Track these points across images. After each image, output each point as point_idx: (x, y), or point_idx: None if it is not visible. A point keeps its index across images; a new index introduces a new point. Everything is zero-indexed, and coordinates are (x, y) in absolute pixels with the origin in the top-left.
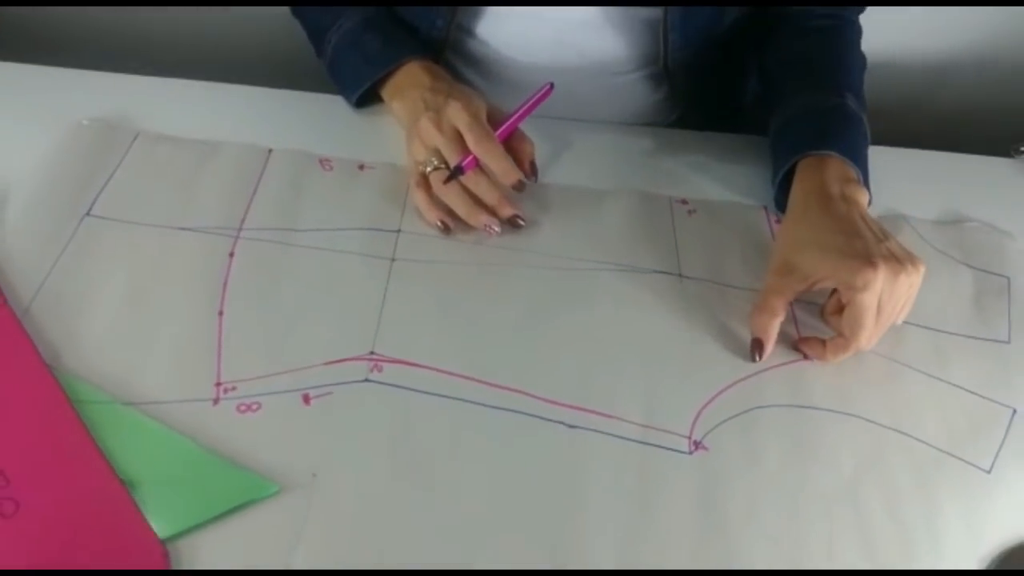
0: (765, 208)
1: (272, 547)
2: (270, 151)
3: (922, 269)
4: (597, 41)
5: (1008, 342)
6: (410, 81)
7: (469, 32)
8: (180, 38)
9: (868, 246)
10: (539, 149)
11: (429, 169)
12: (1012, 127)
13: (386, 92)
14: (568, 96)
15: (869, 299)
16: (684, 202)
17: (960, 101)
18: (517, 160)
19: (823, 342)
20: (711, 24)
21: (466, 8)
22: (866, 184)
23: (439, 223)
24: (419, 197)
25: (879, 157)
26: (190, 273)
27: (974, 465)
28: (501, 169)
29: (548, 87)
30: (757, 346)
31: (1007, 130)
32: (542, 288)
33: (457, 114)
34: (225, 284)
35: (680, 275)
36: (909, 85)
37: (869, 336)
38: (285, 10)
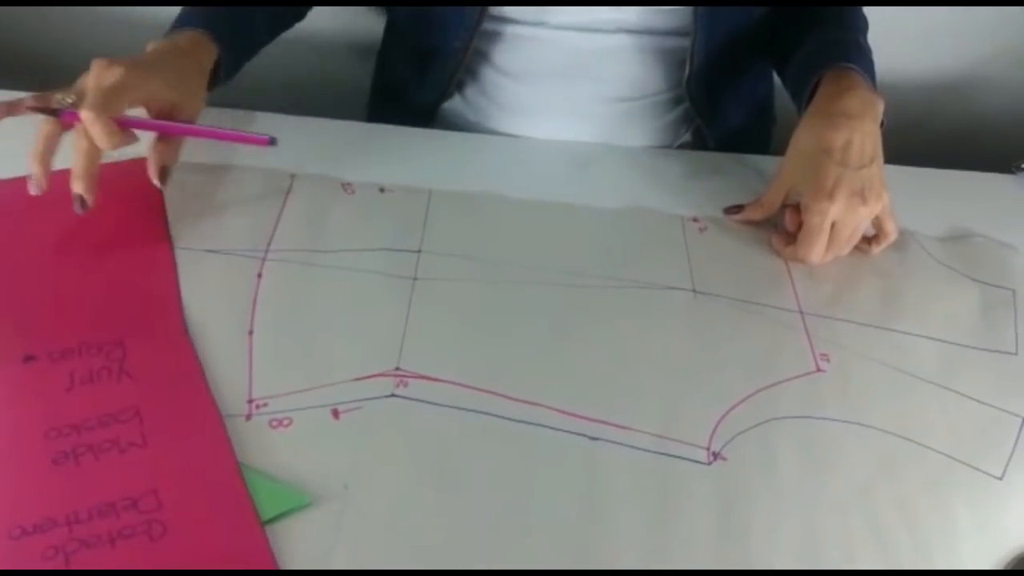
0: (775, 225)
1: (310, 554)
2: (293, 176)
3: (883, 202)
4: (619, 68)
5: (1015, 353)
6: (164, 45)
7: (486, 57)
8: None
9: (841, 177)
10: (550, 170)
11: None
12: (1012, 144)
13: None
14: (581, 121)
15: (819, 223)
16: (695, 220)
17: (960, 119)
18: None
19: (787, 237)
20: (734, 41)
21: (485, 31)
22: None
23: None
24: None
25: (885, 176)
26: (220, 294)
27: (986, 472)
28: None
29: (266, 140)
30: (736, 208)
31: (1007, 147)
32: (560, 305)
33: (90, 76)
34: (254, 304)
35: (694, 291)
36: (909, 104)
37: (818, 254)
38: (307, 40)
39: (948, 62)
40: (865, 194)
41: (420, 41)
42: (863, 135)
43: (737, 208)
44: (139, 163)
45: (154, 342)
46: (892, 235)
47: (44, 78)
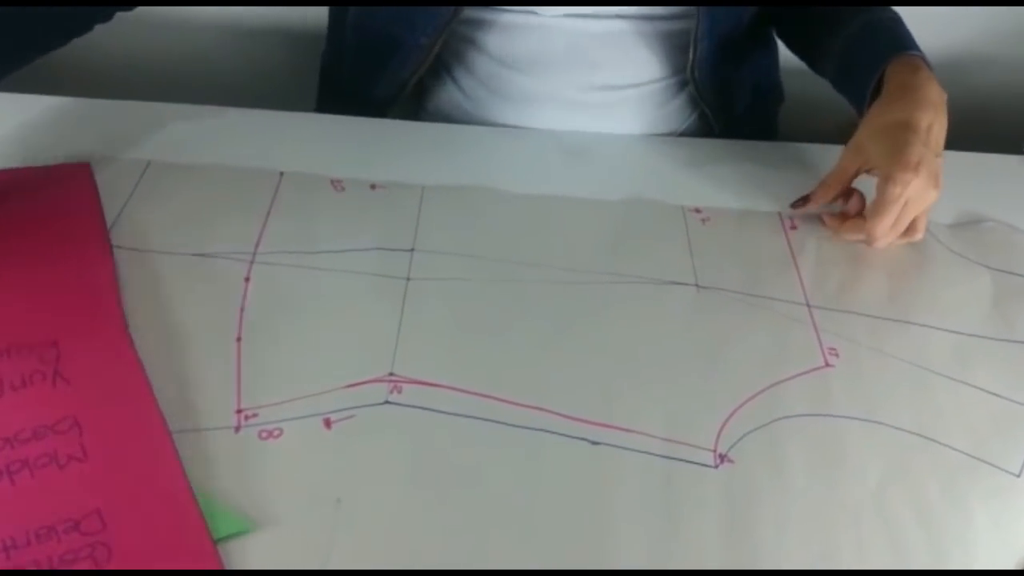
0: (780, 214)
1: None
2: (281, 174)
3: (939, 191)
4: (620, 54)
5: None
6: None
7: (478, 45)
8: (184, 63)
9: (924, 156)
10: (546, 161)
11: None
12: (1020, 123)
13: None
14: (582, 110)
15: (898, 193)
16: (698, 211)
17: (965, 99)
18: None
19: (842, 217)
20: (739, 25)
21: (471, 20)
22: None
23: None
24: None
25: None
26: (206, 299)
27: (1002, 469)
28: None
29: None
30: (802, 200)
31: (1015, 127)
32: (558, 303)
33: None
34: (242, 309)
35: (697, 285)
36: None
37: (886, 226)
38: (289, 32)
39: (952, 39)
40: (938, 179)
41: (380, 35)
42: (941, 125)
43: (804, 200)
44: (72, 167)
45: (91, 343)
46: (920, 234)
47: (39, 79)
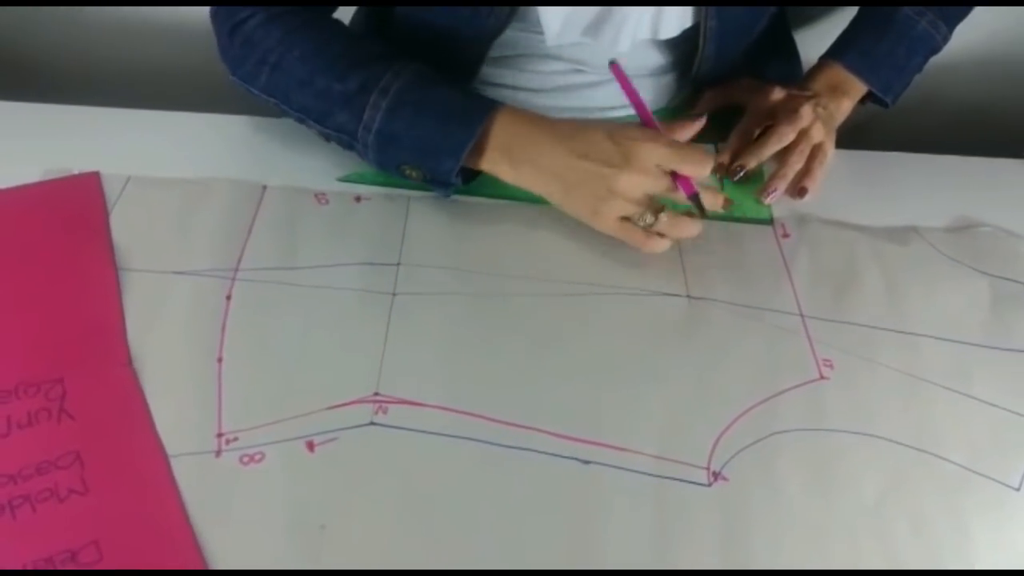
0: (772, 222)
1: None
2: (264, 188)
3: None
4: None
5: None
6: (518, 139)
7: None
8: (170, 67)
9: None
10: None
11: (651, 220)
12: (1019, 128)
13: (489, 158)
14: (566, 91)
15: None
16: None
17: (964, 102)
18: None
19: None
20: (746, 31)
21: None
22: (893, 75)
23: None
24: (659, 245)
25: (886, 163)
26: (187, 319)
27: (1002, 483)
28: (713, 198)
29: (614, 66)
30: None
31: (1014, 131)
32: (547, 317)
33: (656, 152)
34: (223, 329)
35: (688, 296)
36: (910, 88)
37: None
38: None
39: (953, 39)
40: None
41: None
42: (830, 137)
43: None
44: (78, 180)
45: (97, 377)
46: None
47: (32, 81)
